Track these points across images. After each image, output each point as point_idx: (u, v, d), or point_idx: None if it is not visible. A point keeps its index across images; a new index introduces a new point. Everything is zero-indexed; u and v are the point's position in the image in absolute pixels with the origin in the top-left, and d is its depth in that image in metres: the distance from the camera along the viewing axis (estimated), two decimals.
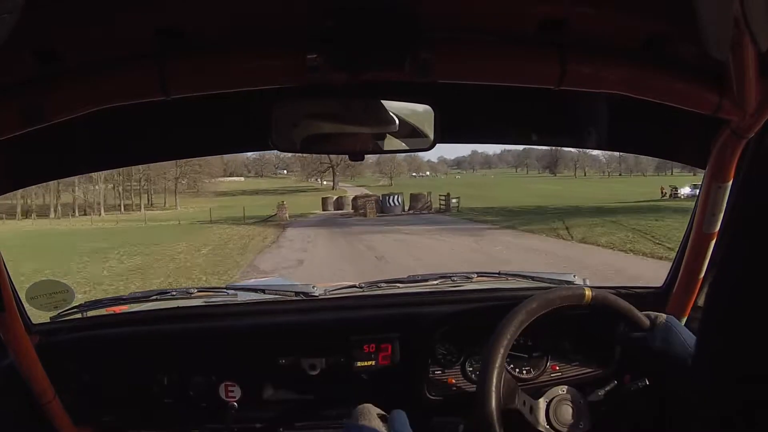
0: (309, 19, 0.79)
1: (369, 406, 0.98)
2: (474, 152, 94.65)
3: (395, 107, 0.92)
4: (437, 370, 1.26)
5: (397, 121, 0.92)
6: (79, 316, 1.32)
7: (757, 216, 0.42)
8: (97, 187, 38.53)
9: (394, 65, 0.81)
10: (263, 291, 1.42)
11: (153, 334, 1.30)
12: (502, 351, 0.99)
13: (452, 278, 1.45)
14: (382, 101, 0.91)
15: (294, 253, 11.80)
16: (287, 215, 23.65)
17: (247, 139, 1.17)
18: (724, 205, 1.06)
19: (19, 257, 9.70)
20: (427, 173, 75.86)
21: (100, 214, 36.80)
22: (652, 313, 1.12)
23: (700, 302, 1.21)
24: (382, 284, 1.42)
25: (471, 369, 1.26)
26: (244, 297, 1.42)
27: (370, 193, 33.60)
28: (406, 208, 26.38)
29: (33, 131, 0.83)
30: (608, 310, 1.10)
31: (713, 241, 1.12)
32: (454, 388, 1.25)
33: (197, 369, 1.24)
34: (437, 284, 1.46)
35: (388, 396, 1.12)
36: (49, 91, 0.81)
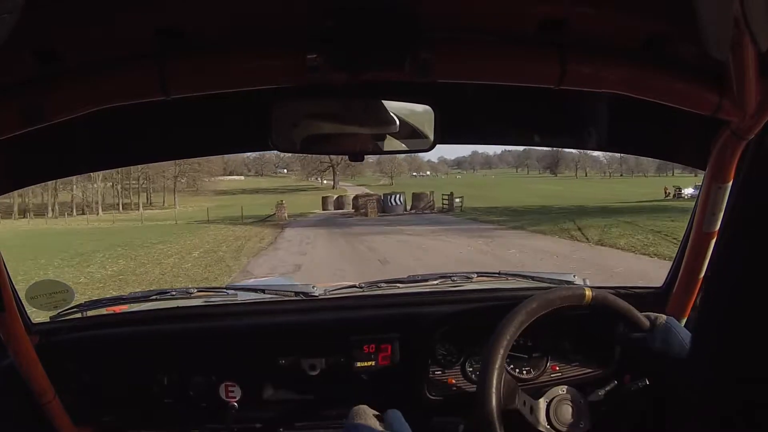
0: (309, 19, 0.79)
1: (364, 407, 0.98)
2: (474, 152, 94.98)
3: (395, 107, 0.92)
4: (437, 371, 1.26)
5: (397, 122, 0.92)
6: (78, 315, 1.32)
7: (757, 216, 0.42)
8: (95, 185, 38.28)
9: (394, 65, 0.81)
10: (263, 291, 1.42)
11: (153, 334, 1.30)
12: (502, 351, 0.99)
13: (452, 278, 1.45)
14: (382, 101, 0.91)
15: (291, 256, 11.26)
16: (286, 215, 23.39)
17: (247, 140, 1.18)
18: (724, 205, 1.06)
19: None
20: (428, 173, 75.85)
21: (97, 214, 36.50)
22: (652, 314, 1.12)
23: None
24: (382, 284, 1.42)
25: (471, 369, 1.26)
26: (243, 297, 1.42)
27: (371, 193, 33.42)
28: (408, 207, 26.20)
29: (33, 131, 0.83)
30: (608, 310, 1.10)
31: (713, 241, 1.12)
32: (454, 389, 1.25)
33: (197, 369, 1.24)
34: (437, 284, 1.46)
35: (388, 396, 1.12)
36: (49, 91, 0.81)
